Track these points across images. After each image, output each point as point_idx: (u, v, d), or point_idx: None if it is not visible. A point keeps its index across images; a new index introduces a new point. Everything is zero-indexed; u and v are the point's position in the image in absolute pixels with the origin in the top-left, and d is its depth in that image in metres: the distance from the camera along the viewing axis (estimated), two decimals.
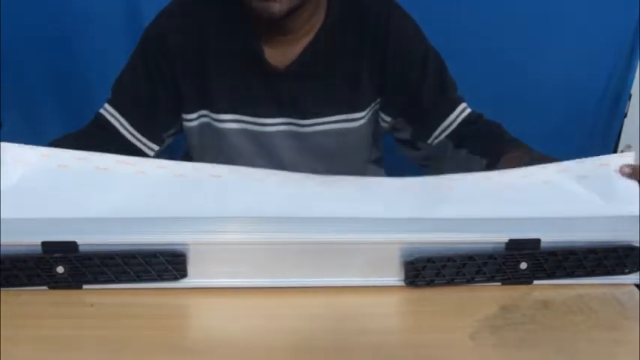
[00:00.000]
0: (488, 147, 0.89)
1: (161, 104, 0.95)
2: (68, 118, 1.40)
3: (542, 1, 1.29)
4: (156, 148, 0.97)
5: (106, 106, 0.95)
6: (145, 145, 0.96)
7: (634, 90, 1.36)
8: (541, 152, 0.85)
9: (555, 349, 0.56)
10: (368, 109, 0.97)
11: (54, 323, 0.58)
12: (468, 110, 0.96)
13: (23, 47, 1.33)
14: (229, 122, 0.95)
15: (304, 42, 0.91)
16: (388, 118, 0.99)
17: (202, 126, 0.97)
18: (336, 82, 0.93)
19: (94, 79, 1.36)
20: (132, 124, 0.95)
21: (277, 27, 0.88)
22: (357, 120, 0.96)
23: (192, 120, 0.97)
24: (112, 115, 0.95)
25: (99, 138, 0.92)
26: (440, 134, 0.95)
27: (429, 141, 0.96)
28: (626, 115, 1.39)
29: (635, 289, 0.65)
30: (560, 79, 1.35)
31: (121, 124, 0.94)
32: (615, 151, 1.43)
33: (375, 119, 1.00)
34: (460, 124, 0.95)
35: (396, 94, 0.95)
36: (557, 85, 1.35)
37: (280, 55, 0.91)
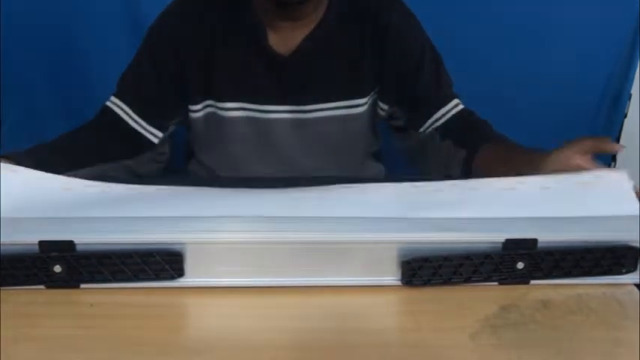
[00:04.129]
0: (470, 139, 0.92)
1: (167, 95, 0.97)
2: (68, 117, 1.40)
3: (542, 1, 1.29)
4: (160, 135, 0.98)
5: (112, 98, 0.97)
6: (149, 132, 0.97)
7: (634, 90, 1.37)
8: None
9: (555, 349, 0.56)
10: (369, 96, 0.99)
11: (51, 322, 0.58)
12: (461, 107, 0.98)
13: (24, 46, 1.33)
14: (233, 110, 0.97)
15: (307, 29, 0.93)
16: (385, 106, 1.01)
17: (207, 116, 0.99)
18: (338, 69, 0.96)
19: (94, 78, 1.36)
20: (137, 113, 0.96)
21: (286, 14, 0.91)
22: (359, 106, 0.99)
23: (198, 111, 0.98)
24: (118, 106, 0.96)
25: (105, 128, 0.95)
26: (431, 125, 0.98)
27: (421, 130, 0.99)
28: (626, 115, 1.39)
29: (635, 289, 0.65)
30: (560, 79, 1.35)
31: (126, 112, 0.96)
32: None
33: (374, 107, 1.02)
34: (451, 118, 0.97)
35: (393, 84, 0.98)
36: (557, 85, 1.35)
37: (283, 42, 0.94)
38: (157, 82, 0.96)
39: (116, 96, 0.97)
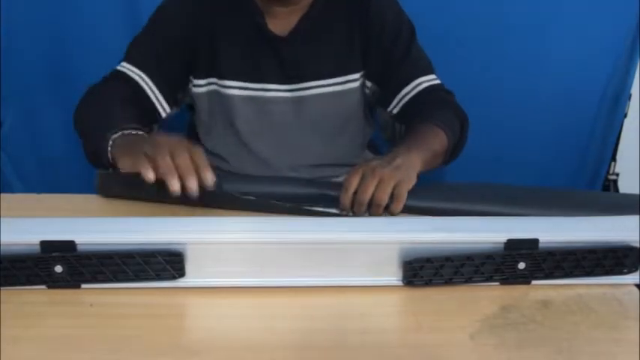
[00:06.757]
0: (412, 121, 0.95)
1: (176, 65, 1.01)
2: (68, 117, 1.40)
3: (542, 1, 1.29)
4: (168, 110, 1.03)
5: (124, 64, 1.00)
6: (160, 104, 1.01)
7: (634, 90, 1.36)
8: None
9: (555, 349, 0.56)
10: (361, 73, 1.04)
11: (53, 323, 0.58)
12: (424, 85, 1.01)
13: (24, 47, 1.33)
14: (234, 89, 1.02)
15: (302, 11, 1.00)
16: (369, 84, 1.05)
17: (210, 94, 1.03)
18: (332, 46, 1.01)
19: (94, 78, 1.36)
20: (151, 79, 1.00)
21: (282, 1, 0.96)
22: (353, 82, 1.03)
23: (201, 86, 1.03)
24: (133, 72, 0.99)
25: (122, 93, 0.97)
26: (397, 103, 1.02)
27: (389, 109, 1.03)
28: (626, 115, 1.39)
29: (635, 289, 0.65)
30: (561, 79, 1.35)
31: (142, 78, 0.99)
32: (615, 151, 1.42)
33: (364, 87, 1.06)
34: (416, 94, 1.01)
35: (374, 59, 1.03)
36: (558, 85, 1.35)
37: (281, 24, 1.00)
38: (167, 52, 1.00)
39: (129, 62, 1.00)
